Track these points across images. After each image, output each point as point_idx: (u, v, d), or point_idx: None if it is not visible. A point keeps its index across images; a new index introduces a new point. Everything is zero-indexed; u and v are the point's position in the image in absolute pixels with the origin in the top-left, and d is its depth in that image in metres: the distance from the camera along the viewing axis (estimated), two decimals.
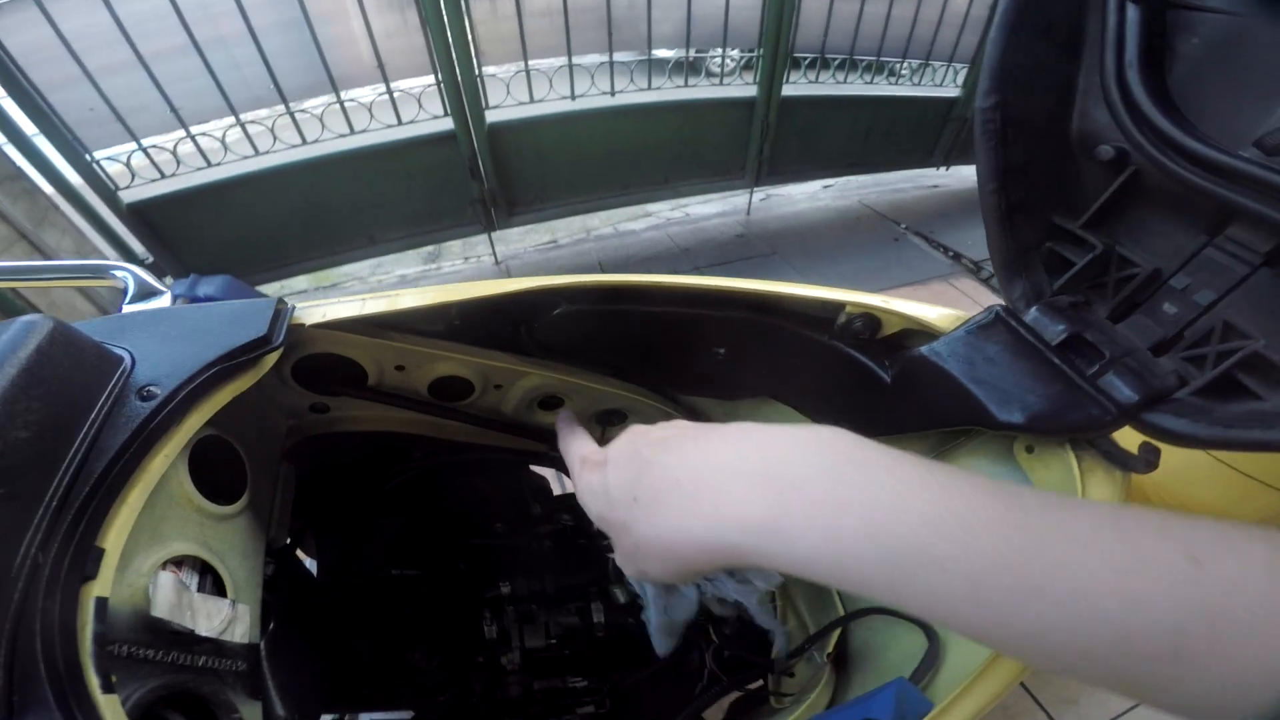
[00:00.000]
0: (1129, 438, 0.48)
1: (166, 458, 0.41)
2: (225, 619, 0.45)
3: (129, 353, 0.45)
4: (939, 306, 0.58)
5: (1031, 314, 0.52)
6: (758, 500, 0.31)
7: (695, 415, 0.78)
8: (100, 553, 0.36)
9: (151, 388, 0.43)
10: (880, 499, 0.29)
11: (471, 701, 0.79)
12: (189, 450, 0.46)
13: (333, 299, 0.56)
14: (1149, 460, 0.45)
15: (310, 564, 0.79)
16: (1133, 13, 0.46)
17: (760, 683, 0.73)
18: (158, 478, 0.40)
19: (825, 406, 0.66)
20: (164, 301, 0.58)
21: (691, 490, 0.34)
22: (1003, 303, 0.55)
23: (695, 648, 0.85)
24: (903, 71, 3.30)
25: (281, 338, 0.50)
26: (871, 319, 0.57)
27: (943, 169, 3.74)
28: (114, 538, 0.37)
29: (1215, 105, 0.44)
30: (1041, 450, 0.49)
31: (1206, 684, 0.24)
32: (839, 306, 0.58)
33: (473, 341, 0.62)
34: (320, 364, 0.59)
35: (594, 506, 0.40)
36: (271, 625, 0.52)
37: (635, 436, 0.40)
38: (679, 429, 0.39)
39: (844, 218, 3.59)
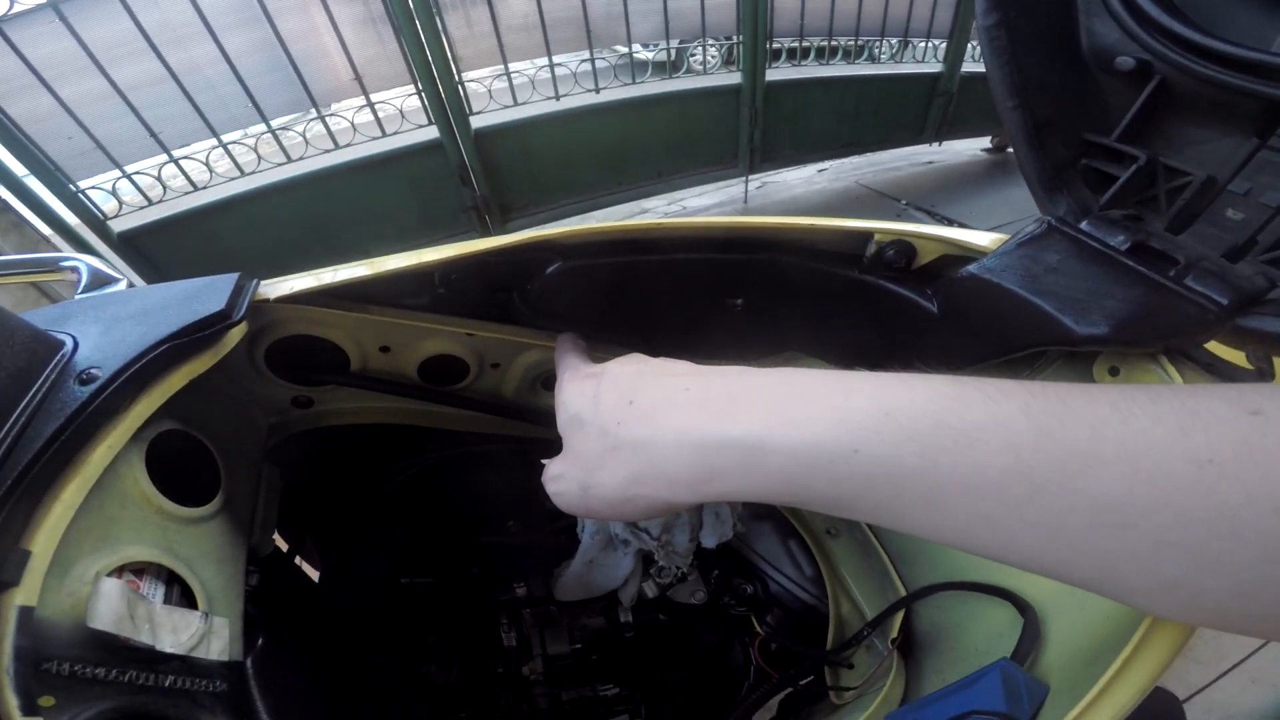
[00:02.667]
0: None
1: (110, 448, 0.36)
2: (196, 633, 0.39)
3: (72, 337, 0.40)
4: (974, 231, 0.52)
5: (1086, 226, 0.47)
6: (760, 409, 0.29)
7: None
8: (25, 555, 0.30)
9: (93, 370, 0.38)
10: (889, 382, 0.28)
11: (496, 717, 0.73)
12: (145, 445, 0.41)
13: (300, 273, 0.50)
14: (1262, 369, 0.39)
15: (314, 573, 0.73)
16: None
17: (812, 677, 0.66)
18: (99, 471, 0.35)
19: (863, 352, 0.60)
20: (119, 288, 0.53)
21: (700, 400, 0.31)
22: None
23: (737, 641, 0.79)
24: (882, 51, 3.33)
25: (243, 312, 0.44)
26: (905, 246, 0.51)
27: (935, 144, 3.74)
28: (44, 539, 0.31)
29: (1223, 8, 0.42)
30: (1130, 369, 0.43)
31: None
32: (867, 236, 0.51)
33: (463, 313, 0.56)
34: (297, 349, 0.54)
35: (573, 407, 0.37)
36: (260, 641, 0.45)
37: (640, 359, 0.38)
38: (690, 365, 0.36)
39: (842, 199, 3.58)
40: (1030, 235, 0.47)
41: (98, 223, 2.08)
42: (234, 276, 0.47)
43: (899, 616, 0.58)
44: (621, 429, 0.33)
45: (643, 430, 0.32)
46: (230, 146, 2.14)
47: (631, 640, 0.77)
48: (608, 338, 0.59)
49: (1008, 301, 0.44)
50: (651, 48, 2.75)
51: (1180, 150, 0.46)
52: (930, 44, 3.33)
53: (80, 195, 2.02)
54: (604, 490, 0.34)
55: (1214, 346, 0.43)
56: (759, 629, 0.72)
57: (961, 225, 3.13)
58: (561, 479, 0.37)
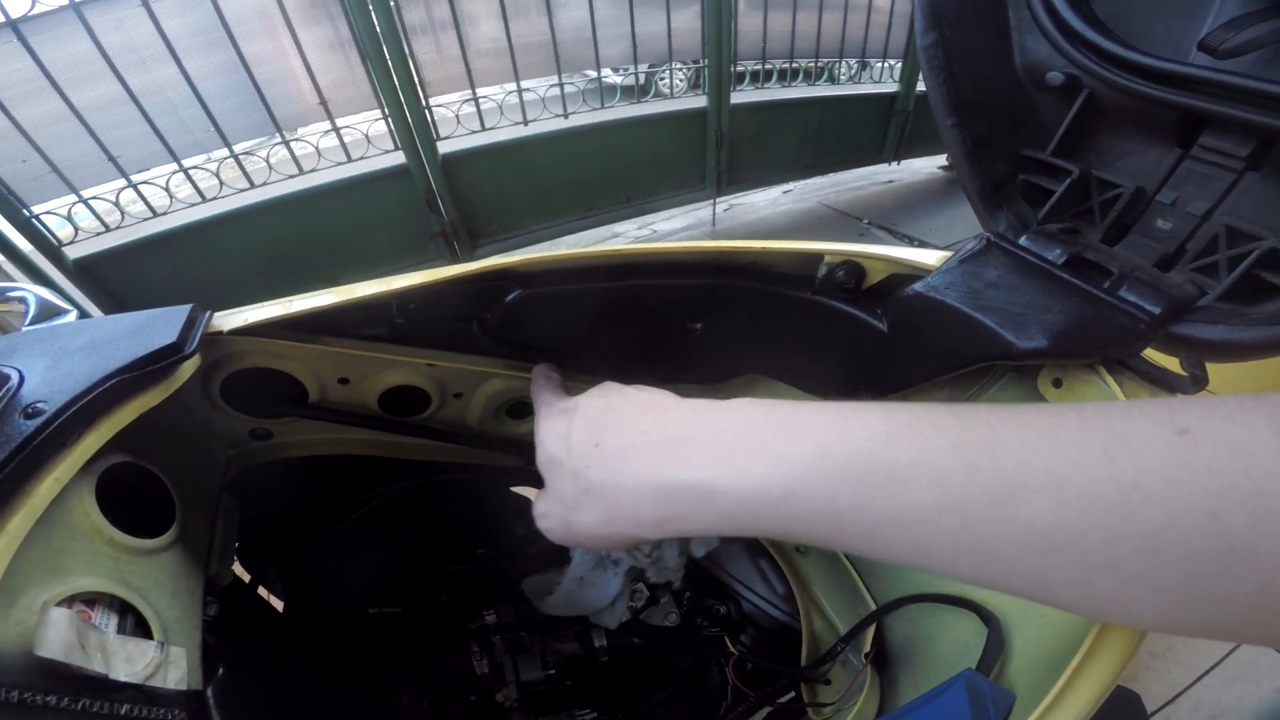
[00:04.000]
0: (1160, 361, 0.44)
1: (58, 481, 0.35)
2: (152, 663, 0.38)
3: (18, 371, 0.39)
4: (922, 249, 0.54)
5: (1025, 241, 0.49)
6: (709, 454, 0.31)
7: None
8: None
9: (39, 404, 0.37)
10: (827, 418, 0.29)
11: None
12: (95, 477, 0.40)
13: (256, 304, 0.50)
14: (1196, 376, 0.41)
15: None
16: None
17: (793, 694, 0.66)
18: (46, 503, 0.34)
19: (820, 373, 0.61)
20: (69, 320, 0.51)
21: (655, 443, 0.34)
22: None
23: (713, 662, 0.79)
24: (841, 72, 3.44)
25: (195, 345, 0.43)
26: (854, 266, 0.52)
27: (894, 164, 3.88)
28: None
29: (1145, 22, 0.44)
30: (1072, 380, 0.44)
31: (1262, 578, 0.21)
32: (818, 258, 0.53)
33: (423, 344, 0.56)
34: (253, 382, 0.53)
35: (550, 447, 0.40)
36: (221, 670, 0.45)
37: (609, 391, 0.40)
38: (656, 395, 0.39)
39: (807, 219, 3.67)
40: (970, 252, 0.48)
41: (52, 249, 2.02)
42: (186, 308, 0.46)
43: (871, 630, 0.58)
44: (590, 473, 0.36)
45: (608, 475, 0.35)
46: (192, 171, 2.09)
47: (607, 665, 0.76)
48: (570, 363, 0.59)
49: (951, 318, 0.45)
50: (621, 72, 2.79)
51: (1111, 163, 0.49)
52: (886, 64, 3.45)
53: (34, 221, 1.95)
54: (583, 528, 0.37)
55: (1152, 355, 0.44)
56: (732, 649, 0.72)
57: (921, 242, 3.23)
58: (547, 516, 0.40)
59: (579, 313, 0.55)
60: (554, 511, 0.39)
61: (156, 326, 0.44)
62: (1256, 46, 0.38)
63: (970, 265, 0.47)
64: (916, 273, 0.51)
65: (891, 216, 3.58)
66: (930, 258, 0.52)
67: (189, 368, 0.43)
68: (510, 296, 0.52)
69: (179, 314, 0.45)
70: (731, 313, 0.58)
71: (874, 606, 0.61)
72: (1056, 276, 0.44)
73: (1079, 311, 0.42)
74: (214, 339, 0.48)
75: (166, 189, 2.09)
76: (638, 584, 0.67)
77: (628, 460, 0.34)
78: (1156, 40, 0.42)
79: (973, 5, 0.49)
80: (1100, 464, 0.23)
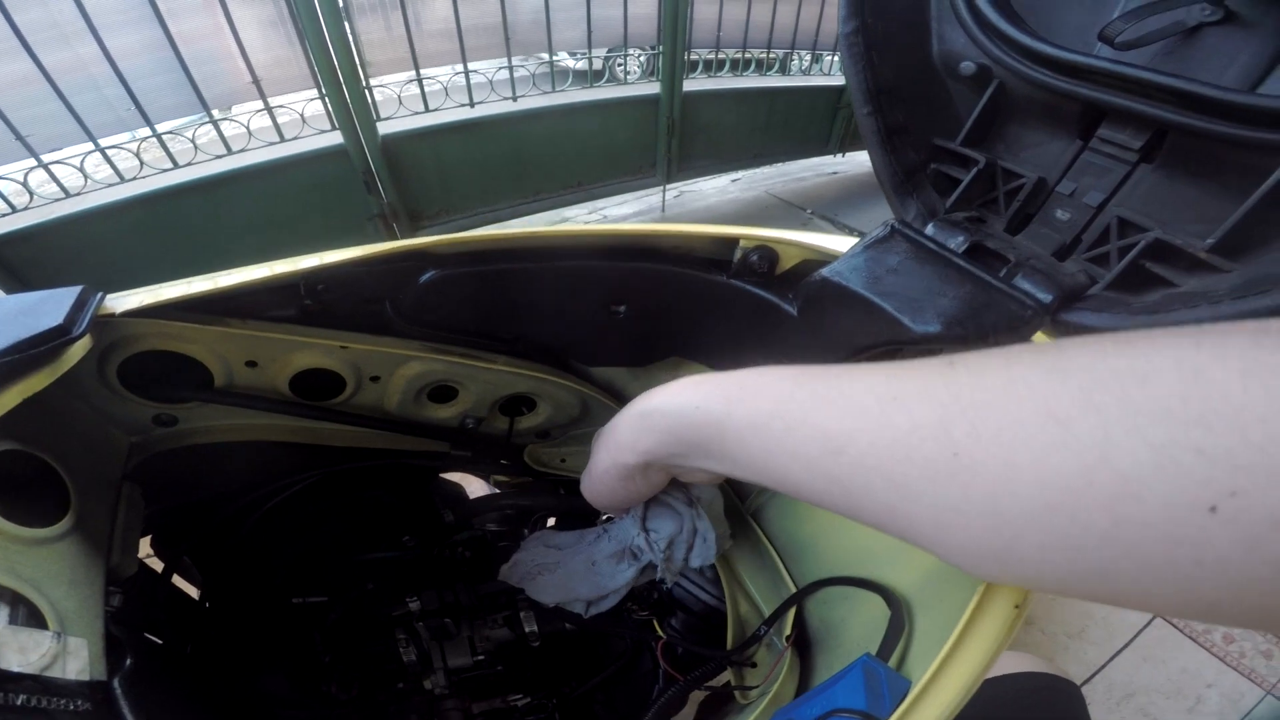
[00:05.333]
0: None
1: None
2: (48, 653, 0.37)
3: None
4: (835, 236, 0.55)
5: (930, 228, 0.50)
6: (667, 391, 0.41)
7: (609, 390, 0.73)
8: None
9: None
10: (741, 371, 0.37)
11: None
12: None
13: (154, 285, 0.48)
14: None
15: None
16: None
17: (727, 678, 0.67)
18: None
19: (736, 356, 0.62)
20: None
21: (648, 396, 0.43)
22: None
23: (645, 648, 0.80)
24: (792, 62, 3.49)
25: (83, 327, 0.41)
26: (768, 251, 0.54)
27: (839, 155, 3.97)
28: None
29: (1057, 15, 0.45)
30: None
31: (985, 487, 0.23)
32: (733, 242, 0.54)
33: (334, 325, 0.54)
34: (154, 366, 0.51)
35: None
36: (129, 661, 0.44)
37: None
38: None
39: (753, 208, 3.73)
40: (875, 238, 0.50)
41: None
42: (76, 290, 0.44)
43: (791, 614, 0.60)
44: (609, 425, 0.46)
45: (614, 420, 0.45)
46: (111, 151, 1.97)
47: (539, 650, 0.77)
48: (490, 345, 0.59)
49: (853, 302, 0.47)
50: (578, 56, 2.76)
51: (1018, 154, 0.50)
52: (836, 57, 3.49)
53: None
54: (597, 470, 0.47)
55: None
56: (661, 633, 0.73)
57: (861, 234, 3.32)
58: (582, 480, 0.51)
59: (498, 294, 0.55)
60: (585, 475, 0.49)
61: (43, 309, 0.42)
62: (1152, 39, 0.39)
63: (874, 251, 0.49)
64: (826, 258, 0.53)
65: (834, 207, 3.67)
66: (841, 244, 0.54)
67: (77, 351, 0.41)
68: (425, 277, 0.51)
69: (68, 295, 0.43)
70: (653, 296, 0.59)
71: (794, 589, 0.63)
72: (954, 264, 0.46)
73: (972, 298, 0.44)
74: (107, 321, 0.45)
75: (81, 169, 1.97)
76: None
77: (629, 406, 0.44)
78: (1068, 32, 0.43)
79: None
80: (878, 382, 0.28)
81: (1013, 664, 0.71)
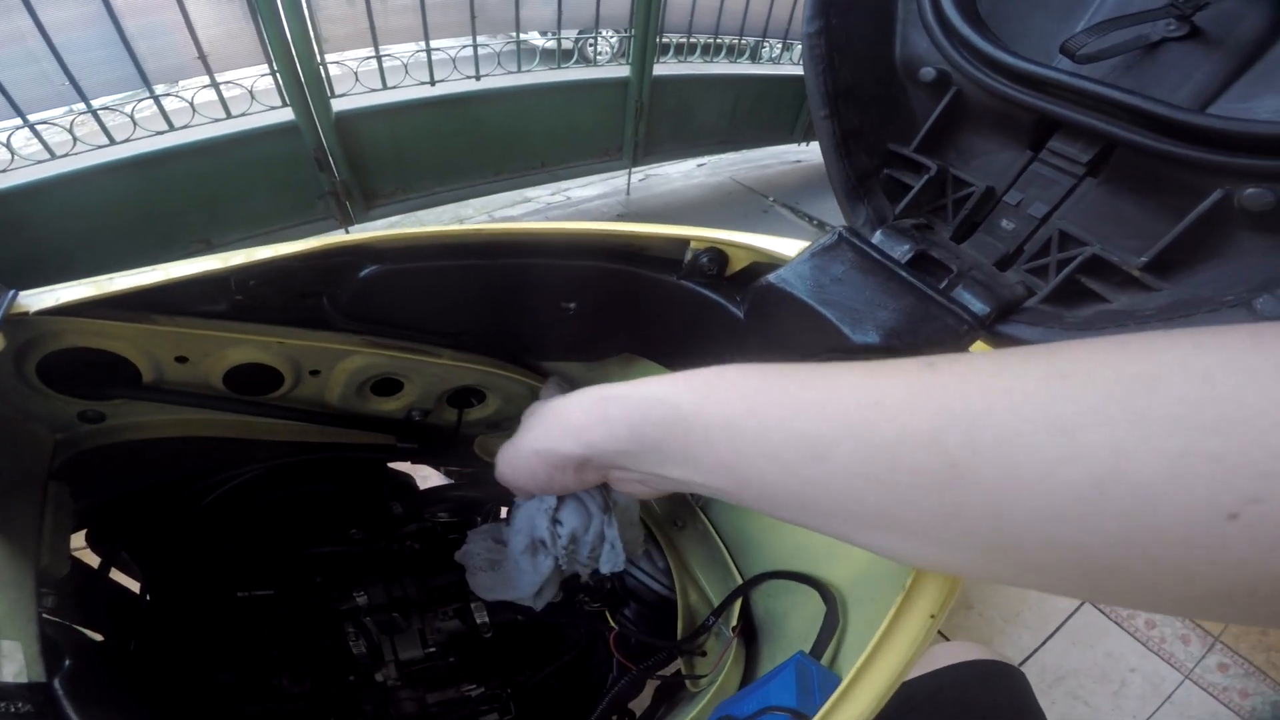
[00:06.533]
0: None
1: None
2: None
3: None
4: (787, 238, 0.56)
5: (877, 237, 0.51)
6: (625, 385, 0.38)
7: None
8: None
9: None
10: (650, 383, 0.36)
11: None
12: None
13: (72, 282, 0.45)
14: None
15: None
16: None
17: (679, 667, 0.68)
18: None
19: (684, 355, 0.62)
20: None
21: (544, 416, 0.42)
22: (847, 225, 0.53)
23: (599, 638, 0.80)
24: (763, 50, 3.47)
25: None
26: (718, 254, 0.54)
27: (803, 144, 3.99)
28: None
29: (1024, 24, 0.45)
30: None
31: (985, 496, 0.23)
32: (684, 243, 0.54)
33: (269, 320, 0.52)
34: (77, 362, 0.48)
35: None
36: (68, 662, 0.42)
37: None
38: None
39: (717, 194, 3.73)
40: (823, 245, 0.50)
41: None
42: None
43: (738, 605, 0.61)
44: (517, 439, 0.45)
45: (560, 400, 0.42)
46: (41, 127, 1.86)
47: (492, 641, 0.77)
48: (434, 340, 0.57)
49: (797, 309, 0.47)
50: (548, 36, 2.70)
51: (969, 162, 0.50)
52: None
53: None
54: (523, 444, 0.43)
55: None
56: (612, 623, 0.74)
57: (821, 222, 3.36)
58: (500, 453, 0.46)
59: (442, 291, 0.54)
60: (507, 446, 0.45)
61: None
62: (1112, 54, 0.40)
63: (820, 259, 0.49)
64: (776, 262, 0.53)
65: (796, 195, 3.71)
66: (791, 248, 0.54)
67: None
68: (365, 272, 0.50)
69: None
70: (603, 295, 0.58)
71: (740, 581, 0.64)
72: (896, 275, 0.46)
73: (910, 310, 0.45)
74: (20, 320, 0.43)
75: (7, 145, 1.85)
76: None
77: (585, 390, 0.41)
78: (1033, 41, 0.43)
79: None
80: (859, 384, 0.27)
81: (958, 653, 0.73)
